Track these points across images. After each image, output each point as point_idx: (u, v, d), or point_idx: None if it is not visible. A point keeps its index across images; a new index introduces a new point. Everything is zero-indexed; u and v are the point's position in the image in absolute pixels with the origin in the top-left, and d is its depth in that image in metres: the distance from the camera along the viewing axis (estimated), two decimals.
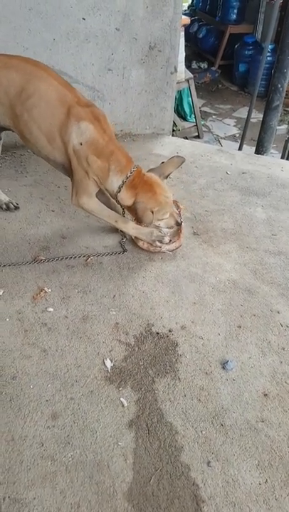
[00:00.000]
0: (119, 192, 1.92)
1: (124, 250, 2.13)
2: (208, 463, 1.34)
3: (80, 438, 1.38)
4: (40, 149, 1.92)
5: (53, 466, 1.30)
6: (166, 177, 2.05)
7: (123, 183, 1.90)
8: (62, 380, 1.54)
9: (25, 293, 1.87)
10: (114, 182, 1.91)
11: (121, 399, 1.49)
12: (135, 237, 2.11)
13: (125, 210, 2.04)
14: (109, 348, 1.67)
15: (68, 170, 1.95)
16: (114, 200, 2.04)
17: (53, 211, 2.38)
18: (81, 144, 1.82)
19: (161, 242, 2.08)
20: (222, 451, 1.38)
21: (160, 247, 2.09)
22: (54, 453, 1.34)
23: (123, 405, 1.48)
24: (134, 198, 1.92)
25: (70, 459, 1.33)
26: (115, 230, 2.19)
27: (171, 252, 2.12)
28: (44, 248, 2.12)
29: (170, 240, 2.13)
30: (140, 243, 2.12)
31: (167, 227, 2.08)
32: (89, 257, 2.07)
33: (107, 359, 1.62)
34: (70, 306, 1.83)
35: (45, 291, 1.88)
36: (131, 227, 2.05)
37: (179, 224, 2.07)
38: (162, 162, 2.07)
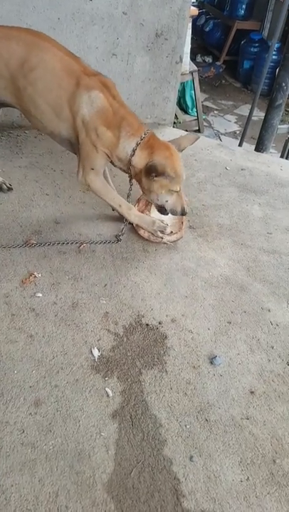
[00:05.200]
0: (133, 155, 1.81)
1: (119, 240, 2.09)
2: (191, 458, 1.33)
3: (63, 426, 1.35)
4: (46, 124, 1.84)
5: (33, 454, 1.28)
6: (181, 151, 1.93)
7: (137, 144, 1.80)
8: (48, 367, 1.51)
9: (14, 276, 1.82)
10: (127, 146, 1.81)
11: (106, 389, 1.47)
12: (136, 225, 2.06)
13: (134, 179, 1.93)
14: (98, 337, 1.64)
15: (75, 145, 1.88)
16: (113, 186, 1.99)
17: (47, 195, 2.32)
18: (88, 117, 1.74)
19: (162, 232, 2.02)
20: (205, 446, 1.36)
21: (161, 238, 2.03)
22: (35, 440, 1.31)
23: (108, 395, 1.45)
24: (149, 158, 1.79)
25: (51, 447, 1.30)
26: (112, 219, 2.14)
27: (172, 244, 2.08)
28: (36, 232, 2.07)
29: (171, 231, 2.09)
30: (141, 232, 2.08)
31: (171, 211, 1.92)
32: (82, 244, 2.03)
33: (95, 348, 1.59)
34: (59, 292, 1.79)
35: (35, 276, 1.83)
36: (133, 214, 1.99)
37: (184, 212, 1.93)
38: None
